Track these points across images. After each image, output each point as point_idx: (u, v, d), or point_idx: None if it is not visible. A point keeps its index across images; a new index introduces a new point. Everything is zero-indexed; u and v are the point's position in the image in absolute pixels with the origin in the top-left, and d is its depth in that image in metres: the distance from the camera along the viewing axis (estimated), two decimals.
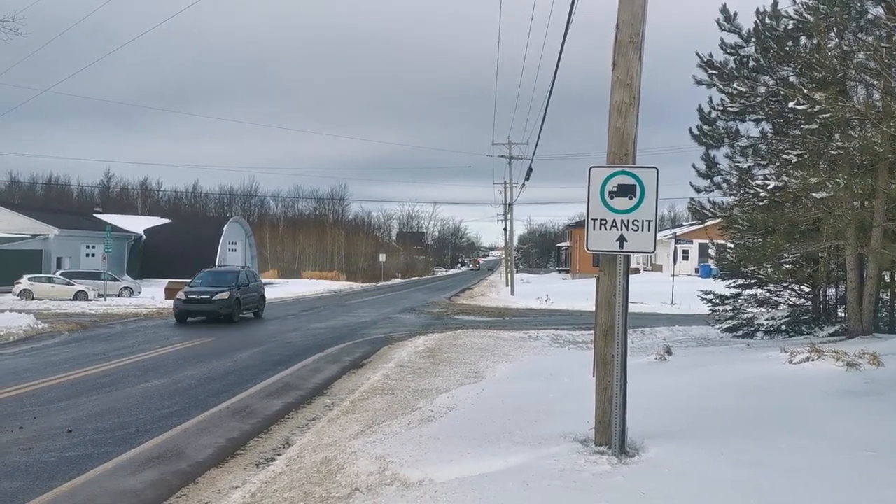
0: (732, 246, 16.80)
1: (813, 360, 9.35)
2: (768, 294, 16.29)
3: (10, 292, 35.39)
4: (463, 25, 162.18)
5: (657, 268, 60.18)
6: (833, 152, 12.34)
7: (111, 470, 7.08)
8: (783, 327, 15.61)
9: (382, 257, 72.50)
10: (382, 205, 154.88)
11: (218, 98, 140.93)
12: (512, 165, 48.97)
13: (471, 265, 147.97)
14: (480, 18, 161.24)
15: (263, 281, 31.52)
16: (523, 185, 38.43)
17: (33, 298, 33.82)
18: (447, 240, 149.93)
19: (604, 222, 6.12)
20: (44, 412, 9.55)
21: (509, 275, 50.70)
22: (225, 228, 54.16)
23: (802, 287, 16.00)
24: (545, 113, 14.86)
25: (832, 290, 15.56)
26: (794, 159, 13.30)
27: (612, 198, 6.10)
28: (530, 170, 28.29)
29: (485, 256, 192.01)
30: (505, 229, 60.97)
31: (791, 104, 12.20)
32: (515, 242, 77.28)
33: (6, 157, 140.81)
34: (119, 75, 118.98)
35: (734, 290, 16.47)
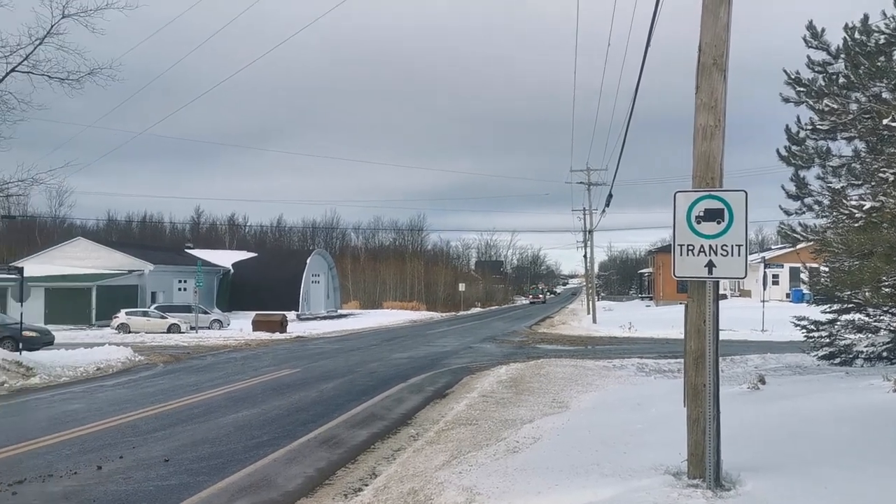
0: (827, 269, 16.11)
1: None
2: (867, 319, 15.50)
3: (108, 326, 37.12)
4: (539, 54, 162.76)
5: (745, 293, 58.22)
6: None
7: (206, 499, 7.28)
8: (885, 354, 14.80)
9: (462, 286, 72.65)
10: (461, 234, 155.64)
11: (297, 134, 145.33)
12: (591, 192, 48.54)
13: (531, 297, 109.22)
14: (557, 47, 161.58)
15: (344, 311, 31.96)
16: (603, 211, 38.02)
17: (130, 332, 35.35)
18: (526, 268, 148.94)
19: (691, 248, 5.99)
20: (142, 442, 9.92)
21: (591, 303, 50.00)
22: (308, 261, 55.40)
23: None
24: (625, 138, 14.72)
25: None
26: (891, 178, 12.71)
27: (699, 223, 5.97)
28: (610, 195, 27.99)
29: (564, 283, 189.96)
30: (585, 256, 60.31)
31: (885, 121, 11.70)
32: (596, 269, 76.21)
33: (104, 198, 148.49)
34: (205, 116, 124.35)
35: (830, 316, 15.73)
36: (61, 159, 68.57)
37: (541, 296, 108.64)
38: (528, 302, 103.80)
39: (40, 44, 17.01)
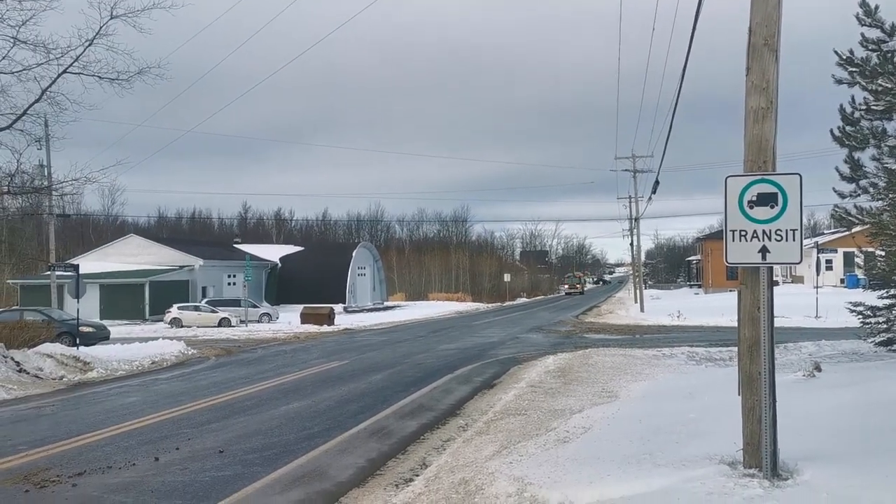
0: (883, 253, 15.65)
1: None
2: None
3: (161, 321, 38.01)
4: (583, 40, 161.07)
5: (798, 279, 56.96)
6: None
7: (260, 489, 7.41)
8: None
9: (507, 277, 72.47)
10: (505, 225, 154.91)
11: (341, 129, 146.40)
12: (637, 179, 47.87)
13: (566, 286, 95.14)
14: (601, 33, 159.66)
15: (390, 303, 32.16)
16: (650, 198, 37.50)
17: (182, 326, 36.13)
18: (572, 257, 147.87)
19: (744, 233, 5.87)
20: (197, 433, 10.14)
21: (638, 291, 49.41)
22: (354, 254, 55.88)
23: None
24: (671, 123, 14.44)
25: None
26: None
27: (751, 207, 5.85)
28: (657, 182, 27.53)
29: (611, 272, 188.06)
30: (631, 244, 59.61)
31: None
32: (643, 257, 75.27)
33: (155, 195, 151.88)
34: (249, 112, 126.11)
35: (887, 301, 15.31)
36: (112, 158, 70.25)
37: (578, 286, 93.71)
38: (563, 293, 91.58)
39: (90, 45, 17.39)
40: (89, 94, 18.07)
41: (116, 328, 31.97)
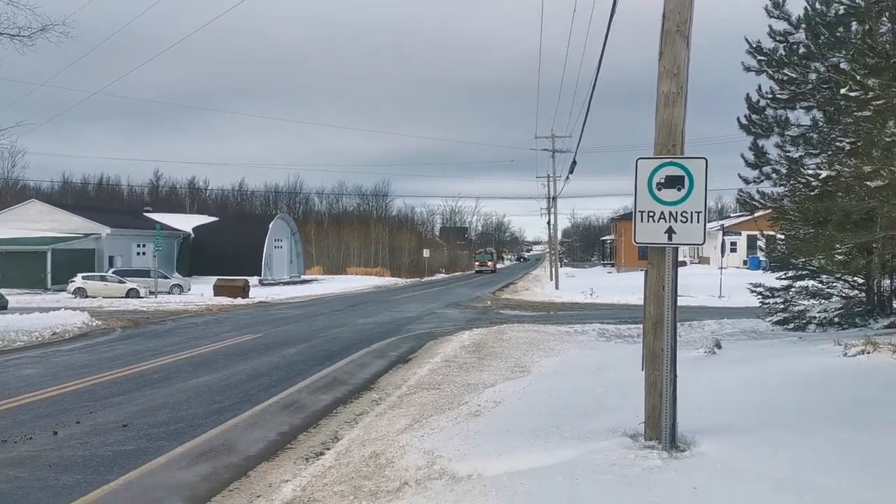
0: (783, 237, 16.43)
1: (868, 353, 9.09)
2: (820, 286, 15.89)
3: (65, 290, 36.45)
4: (504, 19, 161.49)
5: (704, 260, 59.21)
6: (888, 139, 11.95)
7: (165, 464, 7.24)
8: (836, 320, 15.21)
9: (426, 253, 72.65)
10: (425, 200, 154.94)
11: (260, 98, 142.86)
12: (555, 159, 48.63)
13: (477, 264, 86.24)
14: (522, 12, 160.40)
15: (308, 277, 31.79)
16: (567, 178, 38.12)
17: (87, 296, 34.75)
18: (491, 234, 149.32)
19: (651, 214, 6.04)
20: (100, 407, 9.81)
21: (554, 269, 50.41)
22: (271, 226, 54.83)
23: (856, 278, 15.56)
24: (589, 105, 14.71)
25: (887, 282, 15.12)
26: (847, 147, 12.92)
27: (659, 189, 6.01)
28: (574, 163, 28.03)
29: (528, 250, 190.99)
30: (549, 223, 60.70)
31: (843, 91, 11.84)
32: (559, 236, 76.64)
33: (58, 159, 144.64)
34: (163, 77, 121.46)
35: (785, 282, 16.11)
36: (12, 119, 66.44)
37: (490, 263, 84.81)
38: (474, 272, 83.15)
39: None
40: None
41: (15, 297, 30.47)
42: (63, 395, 10.69)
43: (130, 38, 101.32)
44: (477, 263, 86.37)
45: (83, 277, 36.37)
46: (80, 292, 35.31)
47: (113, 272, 38.95)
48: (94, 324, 20.97)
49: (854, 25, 13.29)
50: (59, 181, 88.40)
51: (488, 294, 39.91)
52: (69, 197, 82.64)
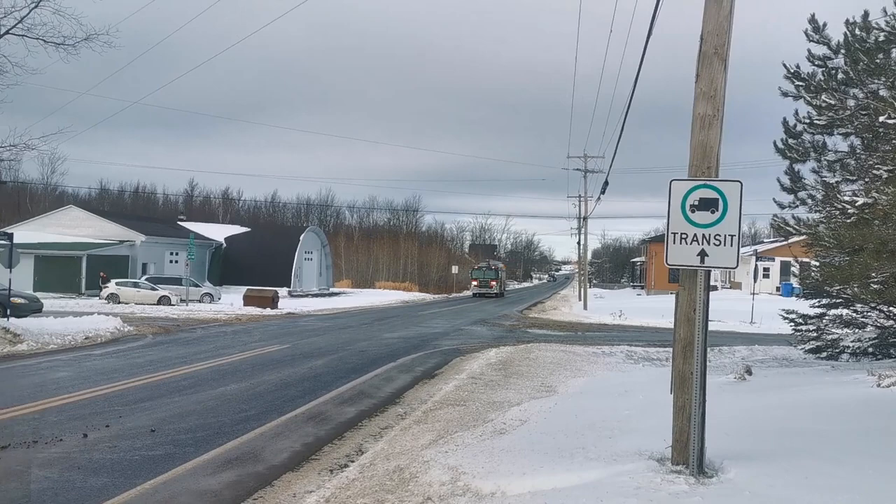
0: (817, 264, 16.17)
1: None
2: (855, 315, 15.59)
3: (98, 296, 37.03)
4: (540, 40, 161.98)
5: (736, 285, 58.48)
6: None
7: (191, 470, 7.31)
8: (870, 349, 14.91)
9: (455, 269, 72.66)
10: (455, 217, 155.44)
11: (295, 111, 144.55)
12: (587, 179, 48.41)
13: (474, 284, 63.30)
14: (559, 33, 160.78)
15: (336, 290, 31.97)
16: (598, 198, 37.97)
17: (119, 302, 35.25)
18: (520, 253, 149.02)
19: (684, 236, 6.00)
20: (129, 412, 9.94)
21: (582, 289, 50.08)
22: (301, 238, 55.29)
23: (892, 308, 15.26)
24: (623, 126, 14.67)
25: None
26: (885, 175, 12.74)
27: (693, 211, 5.98)
28: (606, 183, 27.96)
29: (557, 270, 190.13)
30: (578, 243, 60.42)
31: (882, 118, 11.71)
32: (589, 257, 76.27)
33: (97, 166, 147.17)
34: (201, 87, 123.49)
35: (818, 310, 15.83)
36: (55, 126, 67.93)
37: (493, 283, 62.19)
38: (471, 294, 64.31)
39: (35, 6, 16.74)
40: (33, 57, 17.43)
41: (50, 301, 31.04)
42: (93, 398, 10.85)
43: (170, 49, 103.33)
44: (474, 283, 63.68)
45: (116, 283, 36.87)
46: (112, 298, 35.83)
47: (146, 279, 39.50)
48: (125, 329, 21.28)
49: (894, 52, 13.14)
50: (97, 188, 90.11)
51: (516, 312, 39.77)
52: (106, 204, 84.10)
